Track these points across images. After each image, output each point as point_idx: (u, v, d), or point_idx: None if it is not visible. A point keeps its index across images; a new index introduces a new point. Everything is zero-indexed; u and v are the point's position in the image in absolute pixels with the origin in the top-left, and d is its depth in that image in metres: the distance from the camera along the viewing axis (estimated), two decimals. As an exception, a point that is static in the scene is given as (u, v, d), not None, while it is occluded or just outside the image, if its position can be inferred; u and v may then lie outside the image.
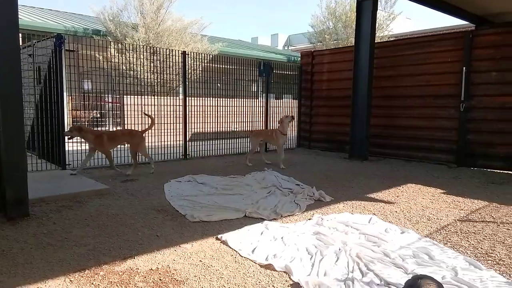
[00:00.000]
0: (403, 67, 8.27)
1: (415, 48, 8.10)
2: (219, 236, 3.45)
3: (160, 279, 2.64)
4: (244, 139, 9.22)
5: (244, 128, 9.31)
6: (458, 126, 7.43)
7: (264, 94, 9.73)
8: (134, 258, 2.96)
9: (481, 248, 3.29)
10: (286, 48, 30.12)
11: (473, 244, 3.38)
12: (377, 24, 8.85)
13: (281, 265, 2.89)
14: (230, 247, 3.23)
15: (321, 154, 9.30)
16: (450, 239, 3.52)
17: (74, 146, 6.66)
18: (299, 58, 11.14)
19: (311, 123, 10.21)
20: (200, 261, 2.96)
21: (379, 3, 9.17)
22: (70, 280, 2.59)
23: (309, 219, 4.06)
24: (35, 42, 6.80)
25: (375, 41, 8.27)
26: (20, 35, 4.14)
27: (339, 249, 3.18)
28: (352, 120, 8.31)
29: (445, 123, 7.66)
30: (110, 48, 10.72)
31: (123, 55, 10.56)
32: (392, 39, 14.39)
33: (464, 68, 7.27)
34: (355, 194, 5.17)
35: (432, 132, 7.85)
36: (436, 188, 5.57)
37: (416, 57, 8.05)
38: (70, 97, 9.54)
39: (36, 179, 5.23)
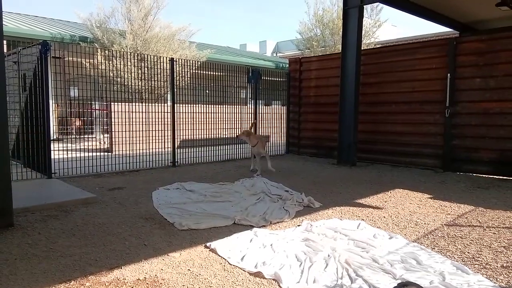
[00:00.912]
0: (389, 73, 8.39)
1: (401, 55, 8.23)
2: (207, 244, 3.42)
3: (147, 289, 2.61)
4: (232, 145, 9.20)
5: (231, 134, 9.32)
6: (444, 131, 7.54)
7: (253, 101, 9.76)
8: (121, 268, 2.92)
9: (468, 252, 3.33)
10: (274, 54, 30.33)
11: (460, 249, 3.41)
12: (363, 32, 9.00)
13: (270, 273, 2.87)
14: (219, 255, 3.20)
15: (309, 160, 9.34)
16: (437, 243, 3.55)
17: (60, 154, 6.58)
18: (287, 65, 11.21)
19: (299, 129, 10.26)
20: (189, 270, 2.93)
21: (365, 11, 9.33)
22: (55, 292, 2.54)
23: (298, 225, 4.06)
24: (20, 49, 6.70)
25: (362, 48, 8.37)
26: (5, 42, 4.08)
27: (328, 256, 3.18)
28: (340, 126, 8.38)
29: (430, 128, 7.77)
30: (97, 55, 10.65)
31: (110, 62, 10.50)
32: (378, 46, 14.60)
33: (448, 74, 7.40)
34: (344, 200, 5.20)
35: (418, 137, 7.96)
36: (423, 193, 5.64)
37: (402, 63, 8.17)
38: (56, 105, 9.43)
39: (21, 188, 5.13)
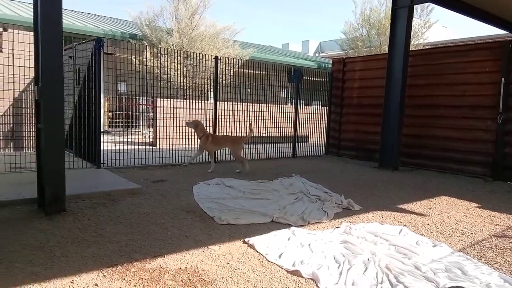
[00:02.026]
0: (438, 76, 8.07)
1: (451, 57, 7.89)
2: (246, 240, 3.47)
3: (188, 279, 2.69)
4: (271, 144, 9.24)
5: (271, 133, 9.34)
6: (495, 138, 7.15)
7: (293, 100, 9.73)
8: (164, 257, 3.03)
9: (518, 266, 3.16)
10: (317, 54, 30.01)
11: (508, 261, 3.24)
12: (412, 32, 8.69)
13: (308, 272, 2.87)
14: (257, 251, 3.24)
15: (349, 162, 9.19)
16: (484, 254, 3.39)
17: (108, 146, 6.91)
18: (330, 65, 11.08)
19: (340, 131, 10.11)
20: (228, 263, 3.00)
21: (414, 11, 9.01)
22: (103, 275, 2.68)
23: (337, 227, 4.02)
24: (75, 44, 7.10)
25: (410, 49, 8.11)
26: (62, 37, 4.33)
27: (368, 259, 3.13)
28: (383, 128, 8.16)
29: (481, 135, 7.39)
30: (146, 52, 11.03)
31: (157, 59, 10.85)
32: (427, 47, 14.07)
33: (502, 78, 7.01)
34: (385, 204, 5.07)
35: (467, 143, 7.59)
36: (471, 202, 5.38)
37: (452, 66, 7.83)
38: (106, 99, 9.89)
39: (72, 176, 5.43)
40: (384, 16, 15.98)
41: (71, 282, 2.56)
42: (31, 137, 7.37)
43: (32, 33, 4.34)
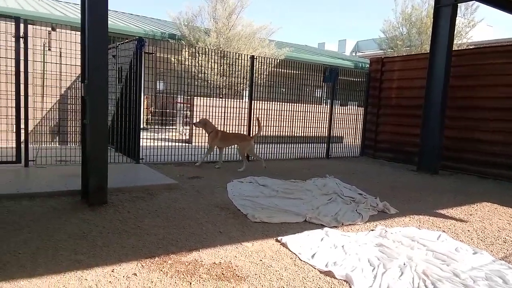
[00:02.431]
0: (482, 77, 7.72)
1: (498, 57, 7.52)
2: (279, 238, 3.49)
3: (222, 274, 2.75)
4: (305, 144, 9.19)
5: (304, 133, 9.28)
6: (545, 143, 6.76)
7: (329, 100, 9.63)
8: (199, 251, 3.11)
9: None
10: (354, 54, 29.50)
11: (557, 274, 3.06)
12: (455, 31, 8.35)
13: (341, 273, 2.85)
14: (290, 250, 3.26)
15: (386, 164, 8.98)
16: (530, 265, 3.23)
17: (147, 142, 7.14)
18: (367, 65, 10.85)
19: (376, 132, 9.89)
20: (261, 260, 3.03)
21: (458, 9, 8.60)
22: (142, 265, 2.79)
23: (372, 230, 3.95)
24: (118, 44, 7.37)
25: (453, 49, 7.81)
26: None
27: (404, 264, 3.06)
28: (423, 129, 7.91)
29: (529, 139, 7.01)
30: (184, 51, 11.27)
31: (194, 58, 11.06)
32: (471, 47, 13.48)
33: (555, 80, 6.61)
34: (423, 209, 4.92)
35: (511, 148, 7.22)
36: (515, 209, 5.13)
37: (498, 67, 7.47)
38: (146, 97, 10.19)
39: (113, 171, 5.63)
40: (426, 15, 15.48)
41: (112, 271, 2.69)
42: (75, 132, 7.75)
43: (78, 33, 4.58)
